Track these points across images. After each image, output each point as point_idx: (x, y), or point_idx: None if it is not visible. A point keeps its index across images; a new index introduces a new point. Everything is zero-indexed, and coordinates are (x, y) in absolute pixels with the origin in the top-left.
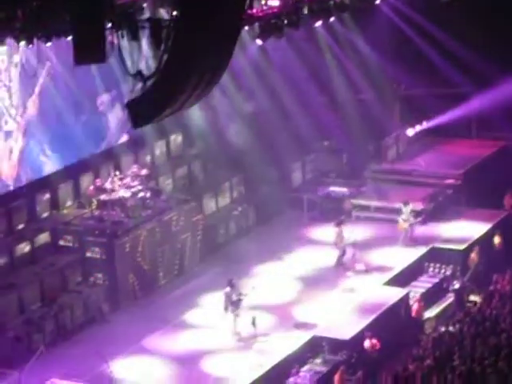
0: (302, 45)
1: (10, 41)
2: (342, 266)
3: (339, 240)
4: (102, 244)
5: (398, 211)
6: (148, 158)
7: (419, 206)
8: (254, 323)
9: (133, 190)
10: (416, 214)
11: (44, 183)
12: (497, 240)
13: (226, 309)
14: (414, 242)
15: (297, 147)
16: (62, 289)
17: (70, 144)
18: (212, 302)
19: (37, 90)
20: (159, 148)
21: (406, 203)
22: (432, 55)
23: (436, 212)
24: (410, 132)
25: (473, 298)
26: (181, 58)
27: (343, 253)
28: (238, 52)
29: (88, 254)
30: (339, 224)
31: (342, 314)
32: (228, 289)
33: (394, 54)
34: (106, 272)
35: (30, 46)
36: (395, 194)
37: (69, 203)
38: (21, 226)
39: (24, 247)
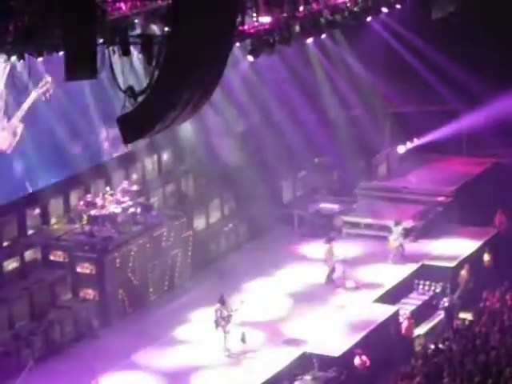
0: (294, 61)
1: None
2: (331, 283)
3: (329, 257)
4: (92, 259)
5: (389, 230)
6: (139, 174)
7: (410, 223)
8: (243, 339)
9: (123, 205)
10: (406, 231)
11: (34, 198)
12: (486, 257)
13: (216, 325)
14: (404, 259)
15: (288, 163)
16: (51, 304)
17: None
18: (202, 317)
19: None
20: (150, 164)
21: (397, 223)
22: (423, 72)
23: (426, 229)
24: (401, 149)
25: (462, 315)
26: (172, 74)
27: (333, 269)
28: (230, 68)
29: (78, 270)
30: (329, 241)
31: (332, 330)
32: (218, 305)
33: (385, 70)
34: (96, 287)
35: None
36: (386, 211)
37: (59, 218)
38: (10, 241)
39: (13, 262)
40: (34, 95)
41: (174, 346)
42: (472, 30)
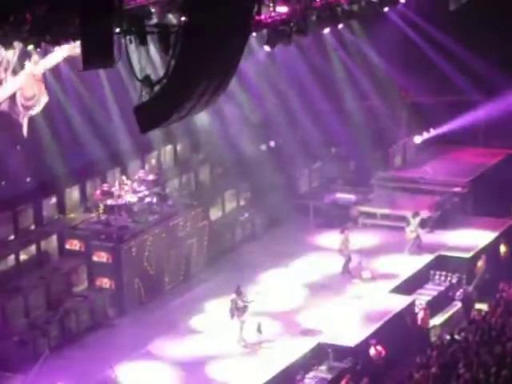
0: (310, 51)
1: None
2: (347, 273)
3: (344, 247)
4: (108, 248)
5: (407, 221)
6: (155, 163)
7: (426, 214)
8: (259, 330)
9: (139, 194)
10: (423, 222)
11: (51, 187)
12: (503, 249)
13: (232, 315)
14: (420, 250)
15: (304, 154)
16: (67, 293)
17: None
18: (218, 307)
19: None
20: (166, 153)
21: (415, 214)
22: (440, 63)
23: (442, 220)
24: (418, 139)
25: (479, 306)
26: (189, 63)
27: (349, 259)
28: (246, 58)
29: (94, 259)
30: (344, 231)
31: (348, 321)
32: (234, 295)
33: (402, 61)
34: (112, 276)
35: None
36: (402, 202)
37: (75, 208)
38: (27, 230)
39: (30, 251)
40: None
41: (190, 335)
42: (489, 20)
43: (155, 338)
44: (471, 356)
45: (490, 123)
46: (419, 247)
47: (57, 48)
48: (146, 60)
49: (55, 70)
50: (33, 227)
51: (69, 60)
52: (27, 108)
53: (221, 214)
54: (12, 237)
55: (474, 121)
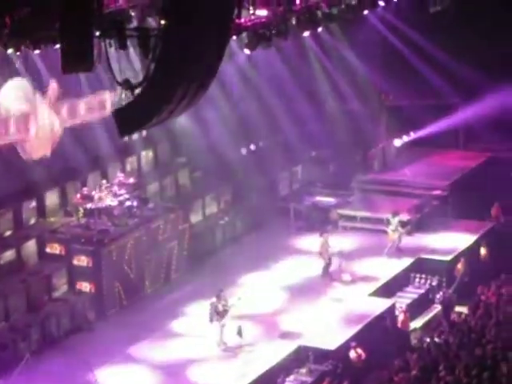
0: (290, 55)
1: None
2: (328, 276)
3: (324, 250)
4: (88, 252)
5: (387, 222)
6: (135, 167)
7: (405, 217)
8: (239, 333)
9: (120, 198)
10: (402, 225)
11: (31, 190)
12: (483, 251)
13: (211, 319)
14: (400, 252)
15: (284, 157)
16: (47, 297)
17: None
18: (198, 310)
19: None
20: (146, 156)
21: (394, 214)
22: (420, 66)
23: (422, 223)
24: (397, 142)
25: (458, 309)
26: (168, 67)
27: (329, 263)
28: (226, 61)
29: (74, 262)
30: (324, 234)
31: (328, 323)
32: (214, 299)
33: (382, 64)
34: (93, 280)
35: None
36: (382, 205)
37: (55, 211)
38: (7, 234)
39: (10, 254)
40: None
41: (170, 339)
42: (468, 23)
43: (136, 342)
44: (451, 358)
45: (469, 126)
46: (397, 249)
47: None
48: (126, 63)
49: None
50: (12, 231)
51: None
52: None
53: (201, 217)
54: None
55: (454, 124)
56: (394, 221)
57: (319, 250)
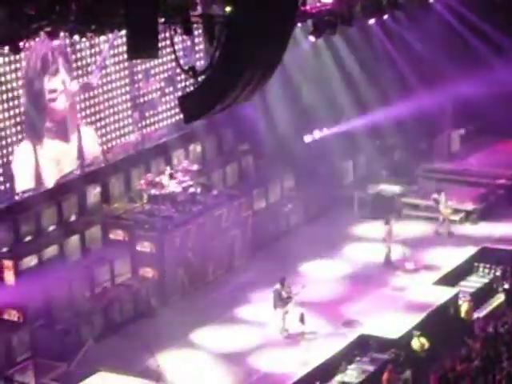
0: (355, 41)
1: None
2: (390, 264)
3: (388, 238)
4: (152, 238)
5: (436, 202)
6: (199, 153)
7: (471, 206)
8: (302, 320)
9: (183, 184)
10: (467, 214)
11: (95, 177)
12: None
13: (275, 306)
14: (451, 237)
15: (349, 144)
16: (111, 282)
17: None
18: (261, 298)
19: None
20: (210, 143)
21: (438, 192)
22: (486, 54)
23: (487, 212)
24: (462, 131)
25: None
26: (233, 53)
27: (391, 251)
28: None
29: (138, 248)
30: (388, 221)
31: (391, 312)
32: (278, 286)
33: (448, 52)
34: (156, 266)
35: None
36: (446, 194)
37: (119, 197)
38: (71, 219)
39: (74, 240)
40: None
41: (233, 325)
42: None
43: (198, 328)
44: None
45: None
46: (450, 234)
47: None
48: (191, 50)
49: None
50: (76, 217)
51: None
52: None
53: (264, 205)
54: (55, 226)
55: None
56: (442, 198)
57: (384, 237)
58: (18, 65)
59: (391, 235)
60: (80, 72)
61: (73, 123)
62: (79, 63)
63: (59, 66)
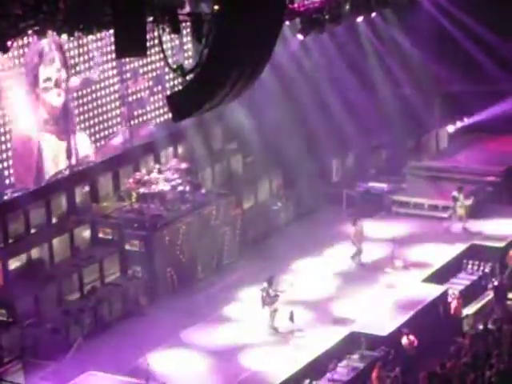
0: (343, 40)
1: None
2: (358, 264)
3: (356, 239)
4: (141, 237)
5: (454, 199)
6: (188, 152)
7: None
8: (291, 318)
9: (172, 183)
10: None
11: (84, 176)
12: None
13: (263, 304)
14: (465, 231)
15: (337, 142)
16: (100, 281)
17: None
18: (250, 296)
19: None
20: (199, 142)
21: (459, 189)
22: (474, 51)
23: (476, 209)
24: (451, 128)
25: (511, 295)
26: (221, 52)
27: (359, 252)
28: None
29: (127, 247)
30: (355, 223)
31: (380, 310)
32: (266, 284)
33: (436, 49)
34: (145, 265)
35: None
36: (435, 191)
37: (108, 196)
38: (59, 219)
39: (63, 239)
40: None
41: (222, 324)
42: None
43: (187, 327)
44: (504, 345)
45: None
46: (464, 229)
47: None
48: (179, 49)
49: None
50: (65, 216)
51: None
52: None
53: (253, 203)
54: (43, 226)
55: (508, 110)
56: (460, 196)
57: (352, 238)
58: None
59: (361, 236)
60: (78, 68)
61: (71, 124)
62: (77, 59)
63: (55, 56)
